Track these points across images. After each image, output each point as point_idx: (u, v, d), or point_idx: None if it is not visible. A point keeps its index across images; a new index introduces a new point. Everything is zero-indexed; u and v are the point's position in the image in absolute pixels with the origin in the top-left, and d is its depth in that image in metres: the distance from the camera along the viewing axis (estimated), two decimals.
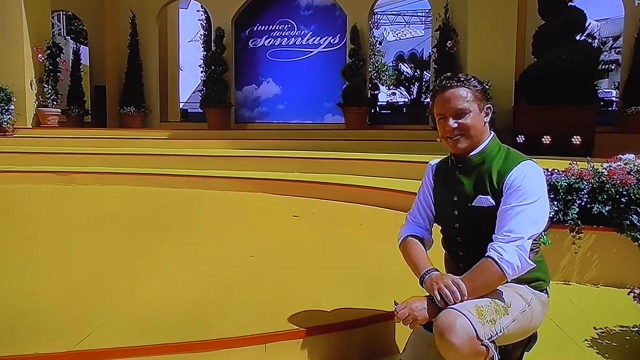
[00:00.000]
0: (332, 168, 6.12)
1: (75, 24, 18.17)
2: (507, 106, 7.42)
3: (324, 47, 11.23)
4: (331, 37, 11.15)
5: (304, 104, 11.39)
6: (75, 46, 13.61)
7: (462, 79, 1.53)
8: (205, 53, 13.60)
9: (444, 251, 1.69)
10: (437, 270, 1.50)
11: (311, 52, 11.31)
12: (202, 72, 13.43)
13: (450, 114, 1.51)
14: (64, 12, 15.53)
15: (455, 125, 1.51)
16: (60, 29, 15.87)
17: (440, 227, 1.69)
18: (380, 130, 10.07)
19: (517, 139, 6.83)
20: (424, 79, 15.44)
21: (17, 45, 9.49)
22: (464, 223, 1.56)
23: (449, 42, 8.84)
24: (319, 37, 11.24)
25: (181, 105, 16.70)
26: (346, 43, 10.77)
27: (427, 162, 1.76)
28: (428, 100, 12.91)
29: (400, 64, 19.14)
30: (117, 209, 4.85)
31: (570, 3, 7.10)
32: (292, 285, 2.39)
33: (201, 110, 11.55)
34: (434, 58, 9.76)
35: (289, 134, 9.03)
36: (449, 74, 1.61)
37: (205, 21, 14.18)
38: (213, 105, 10.87)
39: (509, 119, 7.23)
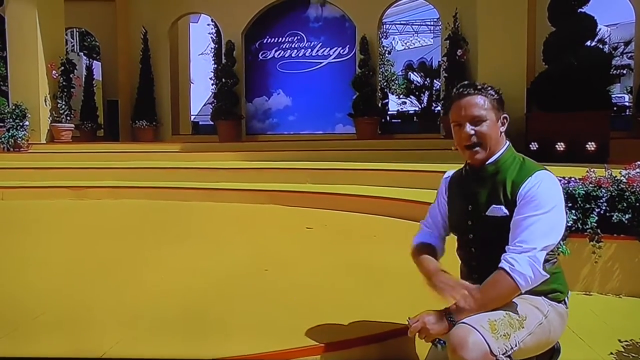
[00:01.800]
0: (343, 178, 6.11)
1: (88, 40, 18.51)
2: (520, 113, 7.35)
3: (334, 58, 11.28)
4: (341, 48, 11.20)
5: (314, 114, 11.42)
6: (88, 62, 13.86)
7: (479, 87, 1.53)
8: (215, 66, 13.71)
9: (459, 261, 1.67)
10: (447, 272, 1.51)
11: (321, 63, 11.36)
12: (212, 84, 13.50)
13: (467, 121, 1.50)
14: (77, 29, 15.83)
15: (472, 132, 1.49)
16: (73, 45, 16.15)
17: (456, 237, 1.68)
18: (391, 140, 10.05)
19: (531, 146, 6.74)
20: (434, 88, 15.42)
21: (32, 62, 9.72)
22: (478, 233, 1.55)
23: (459, 50, 8.84)
24: (328, 48, 11.30)
25: (192, 118, 16.83)
26: (355, 53, 10.82)
27: (438, 171, 1.80)
28: (439, 108, 12.87)
29: (410, 72, 19.18)
30: (130, 222, 4.88)
31: (580, 9, 7.06)
32: (307, 298, 2.37)
33: (212, 123, 11.63)
34: (444, 67, 9.75)
35: (300, 145, 9.05)
36: (466, 82, 1.61)
37: (215, 34, 14.28)
38: (224, 118, 10.95)
39: (521, 126, 7.16)
